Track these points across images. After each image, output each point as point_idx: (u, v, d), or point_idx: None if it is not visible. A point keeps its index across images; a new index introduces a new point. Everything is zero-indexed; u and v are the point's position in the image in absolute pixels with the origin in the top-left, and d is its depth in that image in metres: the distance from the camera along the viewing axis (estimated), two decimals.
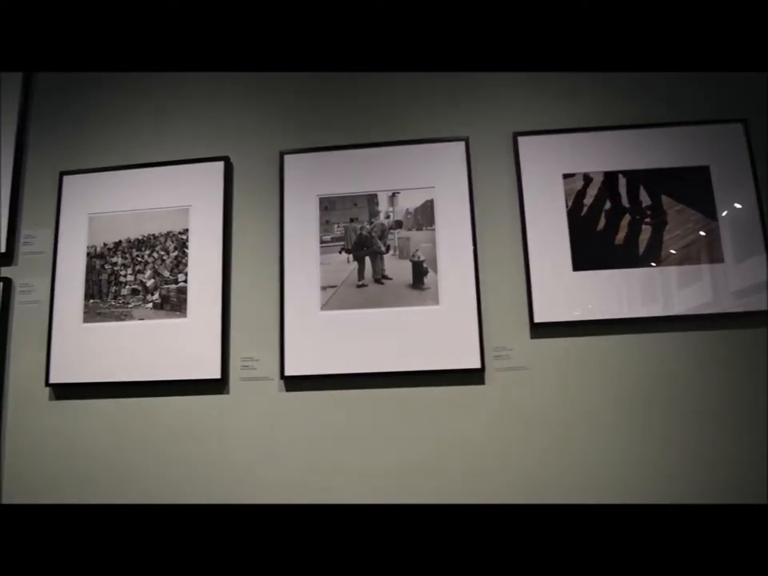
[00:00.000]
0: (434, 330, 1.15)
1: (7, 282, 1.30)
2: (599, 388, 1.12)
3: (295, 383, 1.18)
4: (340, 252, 1.21)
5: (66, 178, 1.31)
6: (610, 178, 1.20)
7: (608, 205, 1.19)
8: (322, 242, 1.22)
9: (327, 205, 1.23)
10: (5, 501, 1.23)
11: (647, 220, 1.18)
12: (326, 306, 1.19)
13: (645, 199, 1.19)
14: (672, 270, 1.15)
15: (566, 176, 1.21)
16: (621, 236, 1.18)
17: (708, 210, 1.17)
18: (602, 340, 1.15)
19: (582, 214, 1.19)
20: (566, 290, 1.16)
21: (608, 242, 1.18)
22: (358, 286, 1.19)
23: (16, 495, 1.23)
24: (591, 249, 1.18)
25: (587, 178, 1.21)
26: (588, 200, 1.20)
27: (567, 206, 1.20)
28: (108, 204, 1.29)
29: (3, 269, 1.32)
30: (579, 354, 1.14)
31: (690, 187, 1.19)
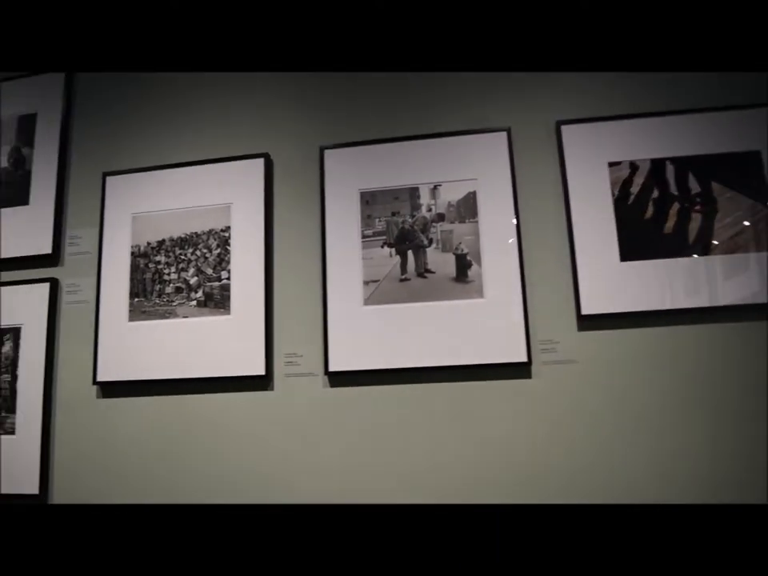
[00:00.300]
0: (479, 324, 1.14)
1: (54, 283, 1.32)
2: (649, 381, 1.09)
3: (339, 379, 1.18)
4: (382, 246, 1.20)
5: (108, 179, 1.33)
6: (657, 165, 1.17)
7: (655, 193, 1.16)
8: (363, 236, 1.21)
9: (368, 199, 1.22)
10: (56, 500, 1.25)
11: (697, 208, 1.15)
12: (368, 300, 1.18)
13: (694, 186, 1.16)
14: (723, 259, 1.11)
15: (611, 164, 1.18)
16: (669, 225, 1.15)
17: (760, 196, 1.13)
18: (651, 332, 1.11)
19: (629, 203, 1.17)
20: (614, 281, 1.13)
21: (656, 231, 1.15)
22: (401, 280, 1.18)
23: (66, 494, 1.25)
24: (639, 238, 1.15)
25: (633, 166, 1.18)
26: (635, 188, 1.17)
27: (613, 195, 1.17)
28: (150, 203, 1.30)
29: (50, 269, 1.35)
30: (628, 347, 1.12)
31: (741, 173, 1.15)
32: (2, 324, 1.32)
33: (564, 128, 1.20)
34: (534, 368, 1.13)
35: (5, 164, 1.40)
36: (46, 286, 1.32)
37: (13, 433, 1.27)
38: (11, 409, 1.28)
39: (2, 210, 1.37)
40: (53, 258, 1.34)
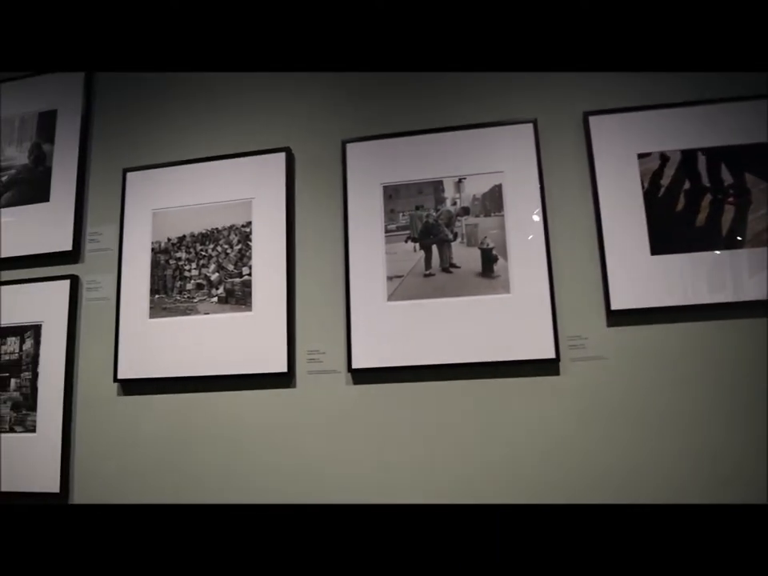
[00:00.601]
0: (506, 319, 1.11)
1: (74, 280, 1.31)
2: (681, 378, 1.06)
3: (362, 376, 1.16)
4: (406, 241, 1.18)
5: (129, 175, 1.32)
6: (689, 156, 1.14)
7: (687, 184, 1.13)
8: (387, 231, 1.19)
9: (391, 193, 1.20)
10: (76, 499, 1.24)
11: (730, 199, 1.12)
12: (392, 296, 1.16)
13: (727, 177, 1.12)
14: (757, 252, 1.08)
15: (640, 156, 1.15)
16: (702, 217, 1.12)
17: None
18: (682, 327, 1.08)
19: (660, 195, 1.13)
20: (644, 275, 1.10)
21: (688, 223, 1.12)
22: (426, 276, 1.16)
23: (86, 493, 1.24)
24: (670, 231, 1.12)
25: (664, 157, 1.15)
26: (665, 180, 1.14)
27: (643, 187, 1.14)
28: (171, 199, 1.29)
29: (70, 266, 1.34)
30: (659, 342, 1.08)
31: None
32: (23, 321, 1.31)
33: (592, 119, 1.17)
34: (562, 365, 1.10)
35: (25, 161, 1.40)
36: (67, 283, 1.31)
37: (33, 431, 1.26)
38: (32, 407, 1.27)
39: (23, 206, 1.37)
40: (73, 255, 1.33)
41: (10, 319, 1.32)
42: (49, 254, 1.33)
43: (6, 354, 1.31)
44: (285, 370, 1.17)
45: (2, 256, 1.35)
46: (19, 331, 1.31)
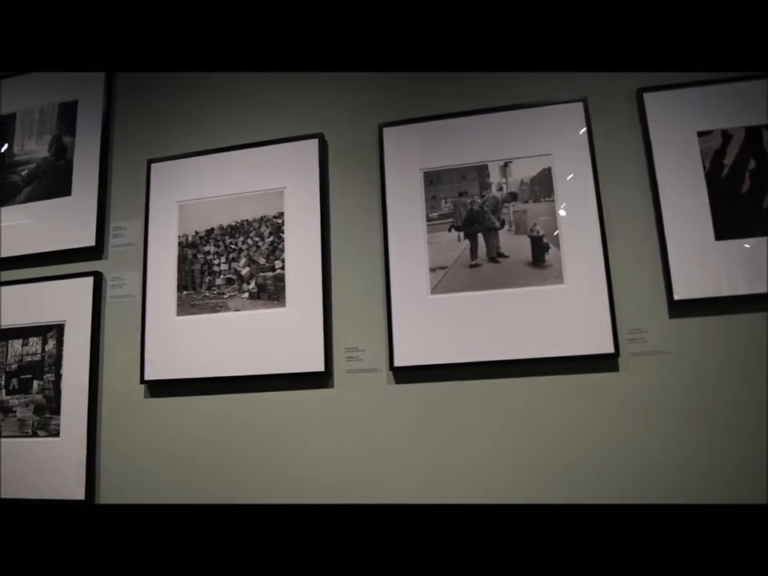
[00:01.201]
0: (559, 312, 1.04)
1: (98, 277, 1.26)
2: (750, 374, 0.98)
3: (405, 374, 1.09)
4: (449, 230, 1.11)
5: (153, 166, 1.26)
6: (753, 133, 1.06)
7: (752, 164, 1.05)
8: (428, 219, 1.12)
9: (433, 179, 1.13)
10: (102, 501, 1.19)
11: None
12: (436, 289, 1.09)
13: None
14: None
15: (701, 134, 1.07)
16: None
17: None
18: (750, 318, 1.00)
19: (723, 176, 1.06)
20: (708, 262, 1.03)
21: (755, 206, 1.04)
22: (471, 266, 1.08)
23: (113, 495, 1.19)
24: (735, 215, 1.04)
25: (726, 135, 1.07)
26: (728, 160, 1.06)
27: (705, 168, 1.06)
28: (198, 190, 1.23)
29: (94, 263, 1.29)
30: (725, 335, 1.00)
31: None
32: (45, 321, 1.27)
33: (647, 96, 1.10)
34: (622, 360, 1.02)
35: (45, 154, 1.35)
36: (90, 280, 1.26)
37: (57, 435, 1.21)
38: (55, 410, 1.22)
39: (44, 201, 1.33)
40: (96, 251, 1.28)
41: (31, 319, 1.27)
42: (71, 250, 1.28)
43: (27, 354, 1.26)
44: (322, 369, 1.10)
45: (23, 253, 1.31)
46: (41, 331, 1.26)
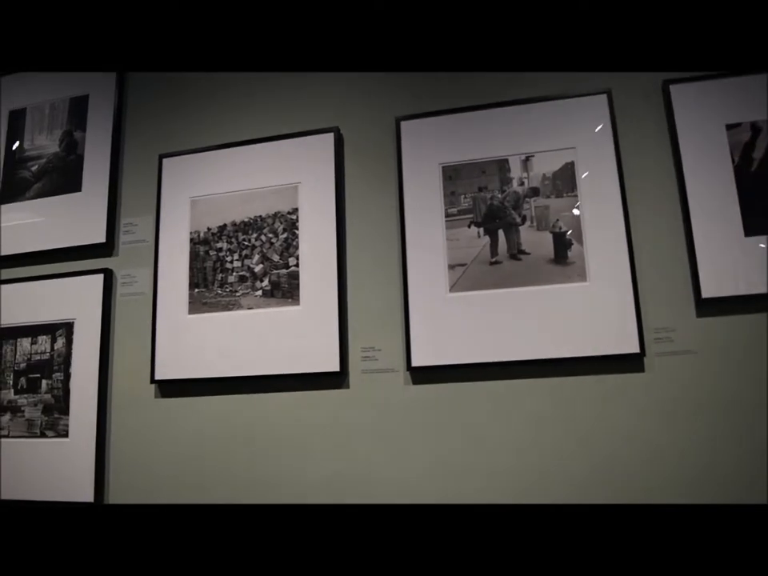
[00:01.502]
0: (583, 311, 1.01)
1: (108, 274, 1.24)
2: None
3: (423, 375, 1.06)
4: (469, 226, 1.08)
5: (165, 161, 1.24)
6: None
7: None
8: (447, 215, 1.09)
9: (451, 174, 1.10)
10: (111, 501, 1.17)
11: None
12: (455, 287, 1.06)
13: None
14: None
15: (729, 127, 1.04)
16: None
17: None
18: None
19: (752, 170, 1.02)
20: (737, 259, 0.99)
21: None
22: (492, 263, 1.05)
23: (122, 496, 1.16)
24: (766, 210, 1.00)
25: (755, 128, 1.03)
26: (758, 153, 1.03)
27: (733, 162, 1.03)
28: (210, 186, 1.21)
29: (104, 260, 1.27)
30: (755, 334, 0.97)
31: None
32: (54, 319, 1.25)
33: (673, 88, 1.06)
34: (647, 360, 0.99)
35: (56, 149, 1.33)
36: (100, 277, 1.24)
37: (66, 436, 1.19)
38: (64, 410, 1.20)
39: (54, 197, 1.31)
40: (107, 248, 1.26)
41: (40, 317, 1.26)
42: (81, 246, 1.27)
43: (36, 353, 1.24)
44: (337, 369, 1.07)
45: (32, 250, 1.29)
46: (50, 329, 1.24)
